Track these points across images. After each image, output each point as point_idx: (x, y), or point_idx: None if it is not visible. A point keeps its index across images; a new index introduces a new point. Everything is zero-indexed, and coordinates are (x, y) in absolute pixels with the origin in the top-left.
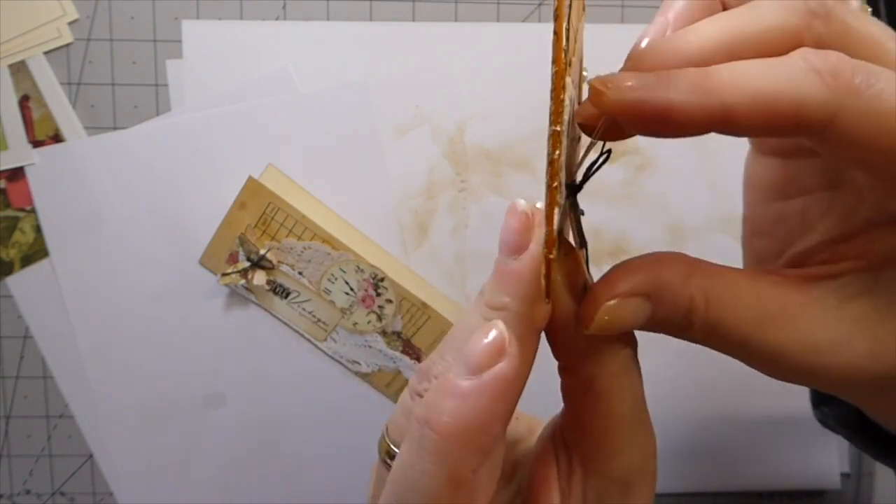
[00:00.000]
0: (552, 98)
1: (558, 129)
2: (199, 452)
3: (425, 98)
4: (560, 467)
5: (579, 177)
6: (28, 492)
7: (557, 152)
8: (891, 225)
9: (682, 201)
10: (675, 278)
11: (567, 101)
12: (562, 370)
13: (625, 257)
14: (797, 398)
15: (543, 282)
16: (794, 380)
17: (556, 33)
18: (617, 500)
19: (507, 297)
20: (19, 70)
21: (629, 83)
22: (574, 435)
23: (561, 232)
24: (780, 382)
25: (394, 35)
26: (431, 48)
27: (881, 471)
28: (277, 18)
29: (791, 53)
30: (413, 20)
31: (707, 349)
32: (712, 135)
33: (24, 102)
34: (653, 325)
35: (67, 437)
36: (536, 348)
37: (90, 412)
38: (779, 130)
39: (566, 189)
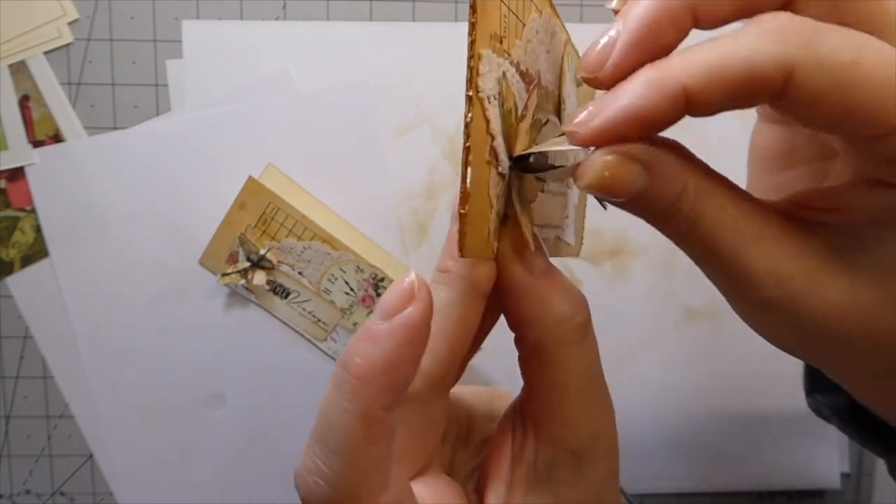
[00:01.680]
0: (467, 65)
1: (471, 94)
2: (199, 452)
3: (425, 98)
4: (515, 437)
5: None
6: (28, 492)
7: (470, 115)
8: (869, 185)
9: None
10: (674, 159)
11: (489, 70)
12: (516, 341)
13: (625, 257)
14: (797, 399)
15: (459, 237)
16: (761, 314)
17: (471, 6)
18: (567, 470)
19: (451, 261)
20: (19, 70)
21: (591, 113)
22: (529, 405)
23: (511, 200)
24: (779, 383)
25: (394, 35)
26: (431, 48)
27: (881, 471)
28: (277, 18)
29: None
30: (413, 20)
31: (705, 353)
32: (712, 134)
33: (24, 102)
34: (644, 201)
35: (67, 437)
36: (479, 311)
37: (90, 412)
38: (741, 98)
39: (509, 160)
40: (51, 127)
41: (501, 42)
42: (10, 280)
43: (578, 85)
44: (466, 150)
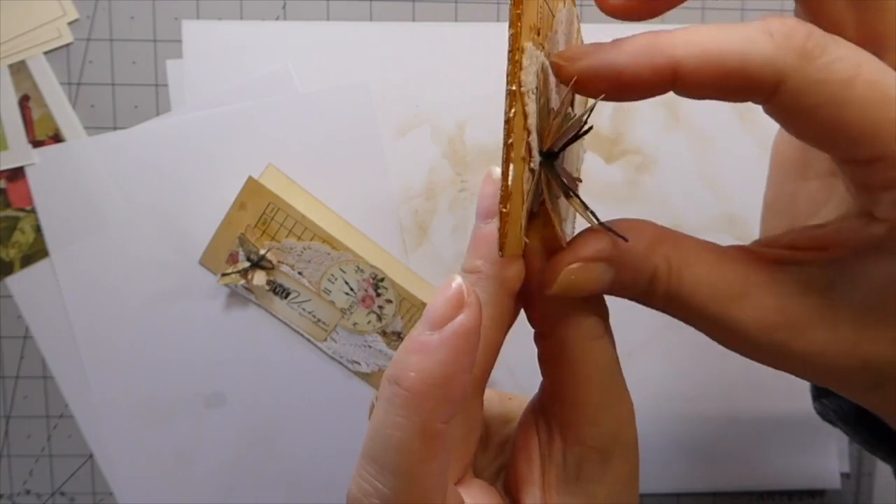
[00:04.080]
0: (509, 59)
1: (514, 88)
2: (199, 452)
3: (425, 98)
4: (541, 437)
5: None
6: (28, 492)
7: (513, 111)
8: (856, 218)
9: (682, 201)
10: (640, 246)
11: (530, 64)
12: (537, 338)
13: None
14: (797, 398)
15: (499, 237)
16: (756, 356)
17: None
18: (597, 467)
19: (480, 260)
20: (19, 70)
21: (582, 53)
22: (551, 403)
23: (542, 199)
24: (779, 383)
25: (394, 35)
26: (431, 48)
27: (881, 471)
28: (277, 18)
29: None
30: (413, 20)
31: (706, 353)
32: (713, 134)
33: (24, 102)
34: (617, 290)
35: (67, 437)
36: (511, 310)
37: (90, 412)
38: (729, 90)
39: (539, 156)
40: (51, 127)
41: (539, 34)
42: (10, 280)
43: None
44: (508, 147)
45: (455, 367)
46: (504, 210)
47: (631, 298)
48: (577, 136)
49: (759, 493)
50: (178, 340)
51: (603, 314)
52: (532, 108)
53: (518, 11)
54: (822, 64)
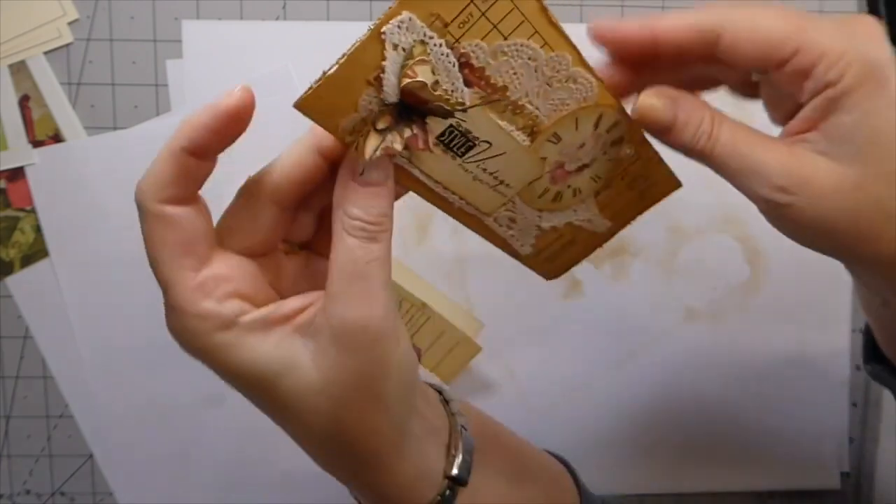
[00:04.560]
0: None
1: (371, 27)
2: (199, 452)
3: None
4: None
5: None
6: (28, 492)
7: (360, 39)
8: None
9: (682, 201)
10: (695, 98)
11: (405, 28)
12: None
13: (625, 257)
14: (798, 399)
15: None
16: (776, 210)
17: None
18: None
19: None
20: (19, 70)
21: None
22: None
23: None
24: (779, 383)
25: None
26: None
27: (881, 471)
28: (277, 18)
29: None
30: None
31: (705, 354)
32: None
33: (24, 102)
34: (673, 131)
35: (67, 437)
36: (317, 164)
37: (90, 412)
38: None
39: (395, 99)
40: (51, 127)
41: (446, 26)
42: (10, 280)
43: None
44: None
45: (202, 120)
46: (326, 71)
47: (680, 144)
48: (435, 111)
49: (759, 493)
50: None
51: (373, 225)
52: (392, 56)
53: None
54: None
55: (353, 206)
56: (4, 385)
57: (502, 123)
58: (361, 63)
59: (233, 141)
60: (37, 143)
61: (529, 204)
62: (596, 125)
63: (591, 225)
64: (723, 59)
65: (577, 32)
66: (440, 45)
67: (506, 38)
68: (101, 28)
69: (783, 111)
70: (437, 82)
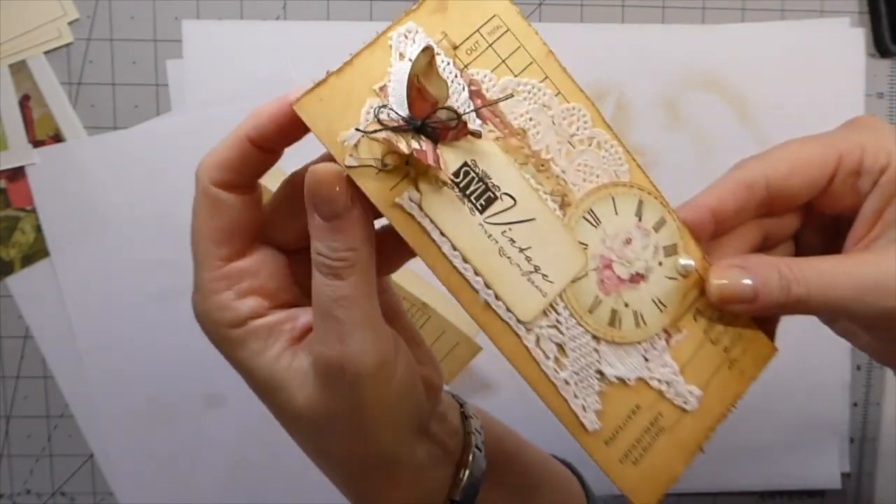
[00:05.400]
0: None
1: (378, 32)
2: (200, 452)
3: None
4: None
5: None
6: (28, 492)
7: (369, 45)
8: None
9: (683, 201)
10: (763, 257)
11: (411, 38)
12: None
13: None
14: (798, 399)
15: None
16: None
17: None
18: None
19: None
20: (19, 70)
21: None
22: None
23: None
24: (780, 383)
25: None
26: None
27: (881, 471)
28: (277, 18)
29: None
30: None
31: None
32: (713, 134)
33: (24, 102)
34: (758, 298)
35: (67, 437)
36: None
37: (90, 412)
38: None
39: (407, 120)
40: (51, 127)
41: (454, 48)
42: (10, 280)
43: (682, 274)
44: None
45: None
46: (330, 73)
47: (776, 306)
48: (448, 127)
49: (760, 493)
50: (178, 340)
51: (340, 261)
52: (398, 66)
53: (432, 5)
54: None
55: (315, 240)
56: (4, 385)
57: (526, 176)
58: (366, 70)
59: (298, 138)
60: (37, 143)
61: (580, 318)
62: (639, 215)
63: (673, 394)
64: (777, 203)
65: (578, 32)
66: (448, 64)
67: (515, 76)
68: (101, 28)
69: (827, 237)
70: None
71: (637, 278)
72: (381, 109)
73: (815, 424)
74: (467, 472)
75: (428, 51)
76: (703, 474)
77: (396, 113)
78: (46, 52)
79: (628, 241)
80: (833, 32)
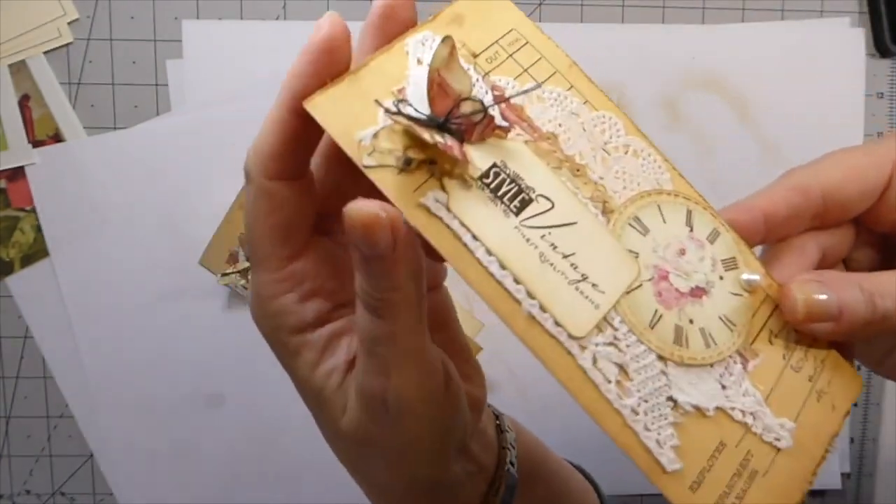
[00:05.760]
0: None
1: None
2: (199, 452)
3: None
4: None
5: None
6: (28, 492)
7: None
8: None
9: None
10: (843, 274)
11: (426, 43)
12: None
13: None
14: None
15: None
16: None
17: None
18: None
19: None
20: (19, 70)
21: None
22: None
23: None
24: None
25: None
26: None
27: (881, 471)
28: (277, 18)
29: None
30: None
31: None
32: (713, 134)
33: (24, 102)
34: (843, 317)
35: (67, 437)
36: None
37: (90, 412)
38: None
39: (428, 117)
40: (51, 127)
41: (474, 56)
42: (10, 280)
43: (747, 291)
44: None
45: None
46: (353, 69)
47: (857, 318)
48: (473, 122)
49: None
50: (178, 340)
51: (377, 298)
52: (416, 70)
53: (453, 12)
54: None
55: (357, 271)
56: (4, 385)
57: (562, 178)
58: (382, 72)
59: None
60: (37, 143)
61: (640, 334)
62: (690, 225)
63: (762, 428)
64: (831, 213)
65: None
66: (470, 68)
67: (538, 84)
68: (101, 28)
69: (878, 256)
70: (470, 94)
71: (698, 292)
72: (401, 104)
73: None
74: (502, 487)
75: (448, 41)
76: None
77: (417, 111)
78: (46, 52)
79: (682, 252)
80: (833, 32)
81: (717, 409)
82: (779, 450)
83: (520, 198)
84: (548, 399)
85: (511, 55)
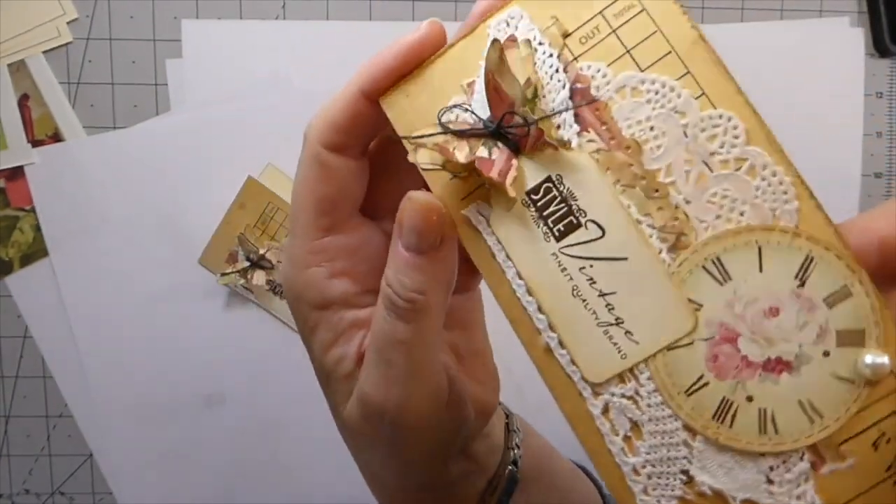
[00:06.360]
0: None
1: (483, 24)
2: (199, 452)
3: None
4: None
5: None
6: (28, 491)
7: (469, 34)
8: None
9: None
10: None
11: (515, 20)
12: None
13: None
14: None
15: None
16: None
17: None
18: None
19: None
20: (19, 69)
21: None
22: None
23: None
24: None
25: (393, 35)
26: None
27: None
28: (277, 18)
29: None
30: (413, 20)
31: None
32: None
33: (23, 102)
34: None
35: (67, 436)
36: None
37: (90, 412)
38: None
39: (490, 119)
40: (50, 126)
41: (565, 36)
42: (10, 280)
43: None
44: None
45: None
46: (417, 70)
47: None
48: (525, 133)
49: None
50: (178, 340)
51: (408, 303)
52: (499, 58)
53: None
54: None
55: (390, 267)
56: (4, 385)
57: (626, 202)
58: (458, 62)
59: None
60: (36, 143)
61: (669, 397)
62: (802, 278)
63: None
64: None
65: None
66: (551, 56)
67: (642, 70)
68: (100, 27)
69: None
70: (535, 93)
71: (778, 366)
72: (452, 110)
73: None
74: (499, 488)
75: (496, 45)
76: None
77: (474, 113)
78: (45, 52)
79: (772, 312)
80: (833, 32)
81: (747, 501)
82: None
83: (566, 221)
84: (545, 397)
85: (615, 30)
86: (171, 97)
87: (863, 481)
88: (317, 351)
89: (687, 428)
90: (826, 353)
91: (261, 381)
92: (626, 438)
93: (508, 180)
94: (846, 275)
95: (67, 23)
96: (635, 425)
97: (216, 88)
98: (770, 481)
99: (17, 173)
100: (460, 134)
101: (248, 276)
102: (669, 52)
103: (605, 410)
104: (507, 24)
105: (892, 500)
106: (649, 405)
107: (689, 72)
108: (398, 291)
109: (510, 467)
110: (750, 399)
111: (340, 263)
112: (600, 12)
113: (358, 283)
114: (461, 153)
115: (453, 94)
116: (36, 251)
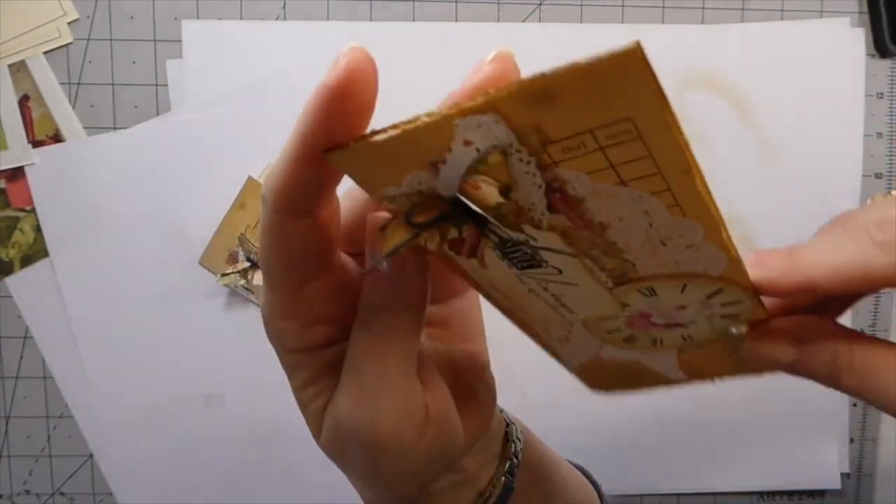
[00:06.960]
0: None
1: (450, 112)
2: (199, 452)
3: (425, 98)
4: None
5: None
6: (28, 492)
7: (434, 114)
8: None
9: None
10: (826, 332)
11: (480, 128)
12: None
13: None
14: (798, 399)
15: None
16: None
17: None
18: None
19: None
20: (19, 70)
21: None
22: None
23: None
24: (780, 383)
25: (394, 35)
26: (431, 48)
27: (881, 471)
28: (277, 18)
29: (856, 228)
30: (413, 20)
31: None
32: (713, 134)
33: (23, 102)
34: (798, 370)
35: (67, 437)
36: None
37: (90, 412)
38: (854, 290)
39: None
40: (50, 127)
41: (545, 144)
42: (10, 280)
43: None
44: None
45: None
46: (394, 130)
47: (817, 379)
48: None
49: (760, 493)
50: (178, 340)
51: (382, 317)
52: (462, 152)
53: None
54: None
55: (364, 283)
56: (4, 385)
57: (586, 260)
58: (421, 144)
59: (366, 119)
60: (36, 143)
61: (594, 334)
62: (710, 296)
63: (662, 371)
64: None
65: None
66: (528, 163)
67: (624, 185)
68: (100, 28)
69: None
70: (509, 189)
71: (674, 326)
72: (423, 182)
73: (814, 424)
74: (492, 500)
75: (471, 169)
76: (703, 474)
77: (441, 198)
78: (46, 52)
79: (682, 308)
80: (833, 32)
81: (633, 361)
82: (662, 375)
83: (528, 262)
84: (548, 398)
85: (602, 148)
86: (172, 97)
87: (706, 360)
88: (294, 385)
89: (601, 341)
90: (710, 322)
91: (261, 382)
92: (560, 341)
93: (479, 253)
94: (744, 297)
95: (68, 23)
96: (565, 338)
97: (216, 89)
98: (649, 358)
99: (17, 174)
100: (429, 225)
101: (249, 277)
102: (655, 174)
103: (548, 333)
104: (479, 127)
105: (716, 359)
106: (581, 339)
107: (668, 189)
108: (369, 303)
109: (504, 477)
110: (649, 335)
111: (318, 309)
112: (590, 131)
113: (337, 322)
114: (432, 243)
115: (414, 167)
116: (36, 252)
